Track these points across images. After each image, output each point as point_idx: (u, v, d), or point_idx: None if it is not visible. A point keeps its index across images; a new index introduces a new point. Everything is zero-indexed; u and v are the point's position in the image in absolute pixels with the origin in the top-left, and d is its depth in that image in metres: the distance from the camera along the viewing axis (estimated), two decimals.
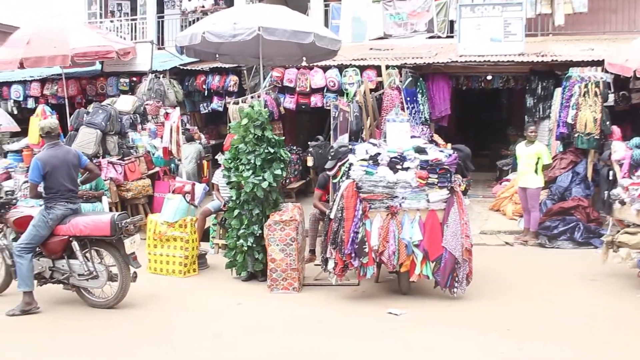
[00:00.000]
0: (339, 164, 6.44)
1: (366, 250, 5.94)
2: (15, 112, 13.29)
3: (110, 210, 8.60)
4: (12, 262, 6.21)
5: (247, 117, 6.70)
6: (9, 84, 13.38)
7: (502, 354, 4.87)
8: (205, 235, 8.51)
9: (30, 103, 13.23)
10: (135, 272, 6.05)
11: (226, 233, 8.41)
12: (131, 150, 9.94)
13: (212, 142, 12.78)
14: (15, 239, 6.32)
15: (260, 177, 6.56)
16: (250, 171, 6.61)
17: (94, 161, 8.72)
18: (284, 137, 7.18)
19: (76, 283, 6.09)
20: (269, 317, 5.84)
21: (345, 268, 6.08)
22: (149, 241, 7.43)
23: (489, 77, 12.23)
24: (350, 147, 6.53)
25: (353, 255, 5.95)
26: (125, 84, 12.49)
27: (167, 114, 10.98)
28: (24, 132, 11.91)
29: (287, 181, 11.29)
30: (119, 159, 9.47)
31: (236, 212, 6.79)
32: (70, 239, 5.98)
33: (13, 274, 6.26)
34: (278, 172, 6.73)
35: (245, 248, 6.73)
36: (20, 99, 13.34)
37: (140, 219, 6.52)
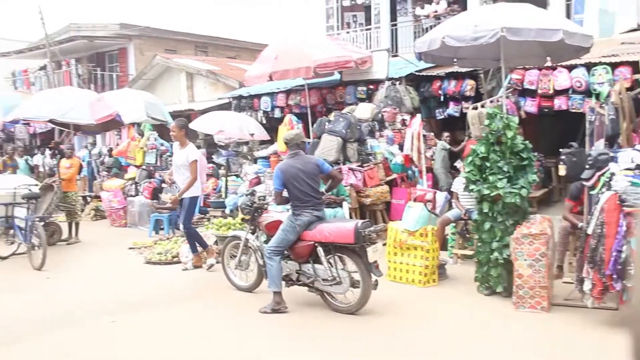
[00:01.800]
0: (597, 173, 5.80)
1: (631, 272, 5.25)
2: (264, 121, 14.39)
3: (350, 215, 8.83)
4: (264, 262, 6.63)
5: (495, 124, 6.38)
6: (259, 96, 14.58)
7: None
8: (443, 245, 8.32)
9: (277, 113, 14.24)
10: (376, 280, 6.06)
11: (465, 243, 8.16)
12: (370, 157, 10.14)
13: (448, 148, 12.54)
14: (266, 242, 6.76)
15: (518, 185, 6.21)
16: (505, 180, 6.29)
17: (335, 167, 9.03)
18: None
19: (320, 287, 6.29)
20: (515, 337, 5.44)
21: (605, 290, 5.42)
22: (389, 249, 7.44)
23: None
24: (611, 154, 5.85)
25: (615, 276, 5.29)
26: (362, 92, 12.81)
27: (403, 120, 11.02)
28: (271, 140, 12.84)
29: None
30: (358, 166, 9.71)
31: (487, 225, 6.49)
32: (316, 244, 6.19)
33: (264, 274, 6.69)
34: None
35: (502, 261, 6.36)
36: (269, 109, 14.43)
37: (382, 227, 6.54)
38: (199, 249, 8.35)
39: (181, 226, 8.35)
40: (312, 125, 11.19)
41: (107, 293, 7.42)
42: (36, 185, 10.85)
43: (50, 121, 13.08)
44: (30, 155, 18.12)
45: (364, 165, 9.89)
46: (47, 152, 18.11)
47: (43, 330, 6.05)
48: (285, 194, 6.38)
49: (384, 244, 7.60)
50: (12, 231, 9.97)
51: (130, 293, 7.39)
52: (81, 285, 7.94)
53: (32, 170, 16.64)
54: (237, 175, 12.51)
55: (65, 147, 11.93)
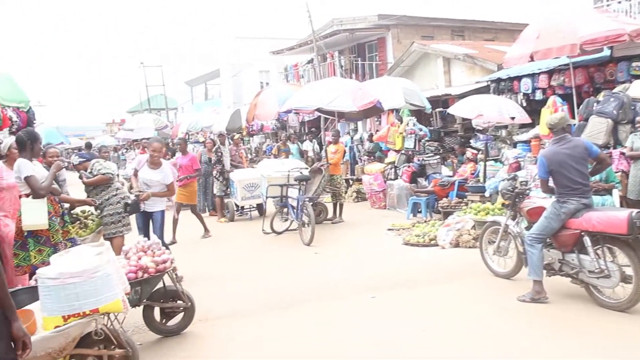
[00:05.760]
0: None
1: None
2: (524, 104, 13.80)
3: (621, 204, 8.11)
4: (523, 249, 6.45)
5: None
6: (519, 78, 14.02)
7: None
8: None
9: (538, 95, 13.56)
10: None
11: None
12: None
13: None
14: (527, 228, 6.56)
15: None
16: None
17: (604, 152, 8.35)
18: None
19: (585, 279, 5.93)
20: None
21: None
22: None
23: None
24: None
25: None
26: (637, 68, 11.54)
27: None
28: (532, 124, 12.31)
29: None
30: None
31: None
32: (582, 233, 5.84)
33: (523, 261, 6.51)
34: None
35: None
36: (529, 91, 13.80)
37: None
38: None
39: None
40: (578, 106, 10.47)
41: (368, 270, 7.90)
42: (306, 168, 11.90)
43: (318, 110, 14.14)
44: (301, 142, 19.84)
45: None
46: (314, 139, 19.67)
47: (311, 300, 6.69)
48: (551, 182, 6.11)
49: None
50: (285, 209, 11.09)
51: (390, 272, 7.76)
52: (344, 261, 8.54)
53: (302, 155, 18.21)
54: (496, 160, 12.25)
55: (331, 134, 12.81)
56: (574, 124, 9.91)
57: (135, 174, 7.92)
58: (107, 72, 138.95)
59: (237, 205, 13.29)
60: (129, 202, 7.57)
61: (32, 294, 4.52)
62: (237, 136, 16.71)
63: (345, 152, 13.99)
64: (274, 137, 24.72)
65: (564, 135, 6.12)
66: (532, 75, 13.69)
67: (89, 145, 19.15)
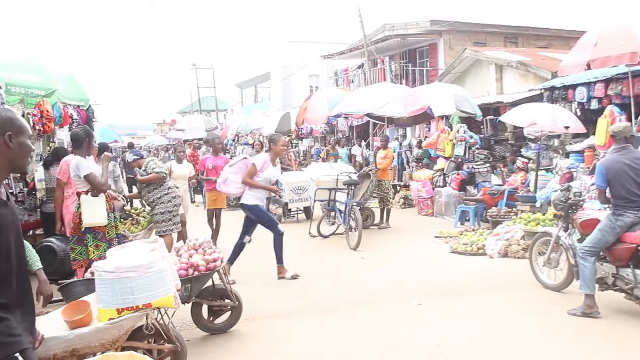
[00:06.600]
0: None
1: None
2: (579, 113, 13.50)
3: None
4: (575, 262, 6.31)
5: None
6: (573, 86, 13.70)
7: None
8: None
9: (593, 104, 13.23)
10: None
11: None
12: None
13: None
14: (580, 240, 6.41)
15: None
16: None
17: None
18: None
19: None
20: None
21: None
22: None
23: None
24: None
25: None
26: None
27: None
28: (586, 134, 12.04)
29: None
30: None
31: None
32: (639, 248, 5.68)
33: (575, 274, 6.37)
34: None
35: None
36: (584, 100, 13.48)
37: None
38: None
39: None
40: (636, 117, 10.19)
41: (414, 277, 7.86)
42: (355, 173, 11.92)
43: (367, 115, 14.16)
44: (350, 146, 19.89)
45: None
46: (363, 143, 19.69)
47: (357, 304, 6.70)
48: (608, 193, 5.97)
49: None
50: (333, 213, 11.12)
51: (437, 279, 7.71)
52: (391, 267, 8.52)
53: (350, 159, 18.24)
54: (547, 170, 12.03)
55: (379, 140, 12.80)
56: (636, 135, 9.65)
57: (251, 176, 7.86)
58: (160, 73, 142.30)
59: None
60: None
61: (88, 285, 4.68)
62: (286, 139, 16.85)
63: (393, 157, 13.93)
64: (322, 141, 24.83)
65: (626, 145, 5.95)
66: (588, 84, 13.35)
67: (131, 146, 19.70)
